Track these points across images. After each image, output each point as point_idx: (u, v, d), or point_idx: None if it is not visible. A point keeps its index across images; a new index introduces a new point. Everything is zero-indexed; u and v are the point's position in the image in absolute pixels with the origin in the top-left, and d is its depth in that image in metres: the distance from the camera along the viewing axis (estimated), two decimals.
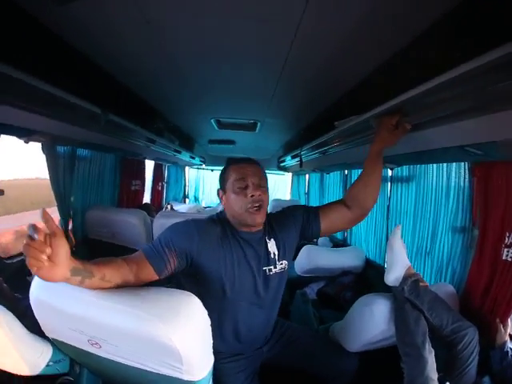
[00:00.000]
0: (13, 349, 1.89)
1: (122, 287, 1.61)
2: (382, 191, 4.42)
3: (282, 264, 2.25)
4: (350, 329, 2.54)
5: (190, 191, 11.57)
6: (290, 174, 10.77)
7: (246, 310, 2.15)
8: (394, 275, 2.46)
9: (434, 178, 3.35)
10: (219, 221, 2.18)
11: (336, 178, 6.39)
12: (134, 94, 3.65)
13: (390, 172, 4.20)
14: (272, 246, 2.22)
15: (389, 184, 4.29)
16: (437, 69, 1.56)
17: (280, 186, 11.60)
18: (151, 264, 1.83)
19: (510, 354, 2.28)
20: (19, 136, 3.00)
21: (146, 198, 7.78)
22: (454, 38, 1.72)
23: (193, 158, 8.21)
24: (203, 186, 11.80)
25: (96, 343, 1.57)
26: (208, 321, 1.59)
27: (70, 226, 4.38)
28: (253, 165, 2.15)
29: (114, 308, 1.46)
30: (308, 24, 1.81)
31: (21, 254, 3.57)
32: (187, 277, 2.11)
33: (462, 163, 2.91)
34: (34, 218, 1.36)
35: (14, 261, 3.49)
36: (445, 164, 3.16)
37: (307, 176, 8.90)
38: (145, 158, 6.63)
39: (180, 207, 8.43)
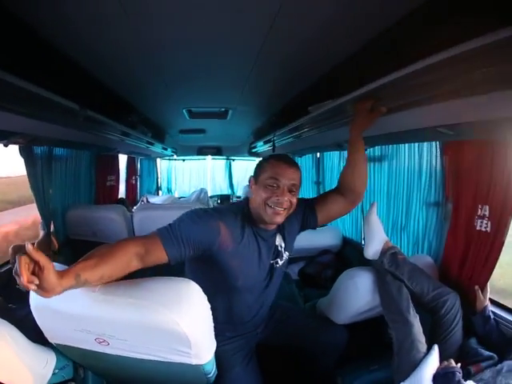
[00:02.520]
0: (19, 362, 1.92)
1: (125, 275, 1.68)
2: None
3: (286, 254, 2.42)
4: (337, 302, 2.72)
5: (163, 183, 11.70)
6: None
7: (253, 297, 2.30)
8: (372, 249, 2.70)
9: (406, 158, 3.54)
10: (241, 216, 2.22)
11: (308, 160, 6.59)
12: (108, 88, 3.69)
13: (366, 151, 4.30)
14: (279, 239, 2.38)
15: None
16: (410, 57, 1.68)
17: (252, 172, 11.60)
18: (166, 250, 1.84)
19: (492, 317, 2.43)
20: None
21: (121, 193, 7.80)
22: (422, 32, 1.85)
23: (165, 149, 8.28)
24: (175, 176, 11.90)
25: (104, 341, 1.64)
26: (208, 305, 1.70)
27: (52, 228, 4.39)
28: (292, 167, 2.19)
29: (119, 302, 1.54)
30: (283, 13, 1.87)
31: (8, 262, 3.60)
32: (195, 261, 2.19)
33: (434, 143, 3.08)
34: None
35: (4, 269, 3.51)
36: (416, 144, 3.34)
37: None
38: (118, 153, 6.69)
39: (155, 199, 8.55)
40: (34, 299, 1.65)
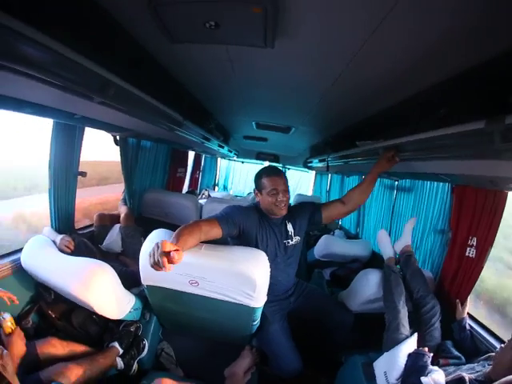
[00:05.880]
0: (112, 294, 2.81)
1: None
2: (388, 197, 5.46)
3: (296, 238, 3.25)
4: (352, 291, 3.59)
5: (221, 180, 12.44)
6: (314, 172, 11.50)
7: (272, 267, 2.97)
8: (386, 255, 3.73)
9: (427, 192, 4.28)
10: (257, 210, 3.15)
11: (355, 181, 7.28)
12: (202, 105, 4.73)
13: (396, 183, 5.16)
14: (290, 227, 3.22)
15: (395, 192, 5.23)
16: (421, 127, 2.51)
17: (304, 182, 12.33)
18: (221, 227, 2.76)
19: (467, 329, 3.05)
20: (112, 130, 4.01)
21: (185, 184, 8.67)
22: (420, 116, 2.77)
23: (230, 151, 9.01)
24: (233, 176, 12.69)
25: (195, 282, 2.50)
26: (269, 267, 2.59)
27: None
28: (281, 176, 3.09)
29: (218, 255, 2.47)
30: (349, 72, 2.61)
31: (89, 227, 4.46)
32: (234, 240, 3.08)
33: (446, 183, 3.81)
34: None
35: (85, 231, 4.29)
36: (435, 182, 4.09)
37: (329, 176, 9.64)
38: (191, 150, 7.58)
39: (215, 194, 9.29)
40: (148, 249, 2.36)
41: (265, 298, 2.66)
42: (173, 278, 2.51)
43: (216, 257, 2.45)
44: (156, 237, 2.57)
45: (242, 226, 2.94)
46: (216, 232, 2.74)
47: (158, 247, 2.03)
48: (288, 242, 3.21)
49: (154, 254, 2.03)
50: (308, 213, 3.31)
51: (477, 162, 2.36)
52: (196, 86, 3.90)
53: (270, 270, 2.84)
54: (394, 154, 3.15)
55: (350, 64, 2.47)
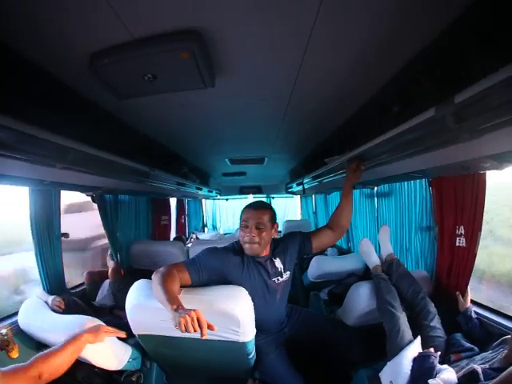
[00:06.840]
0: (107, 348, 2.78)
1: None
2: (370, 206, 5.44)
3: (287, 274, 3.09)
4: (347, 307, 3.56)
5: (208, 221, 12.41)
6: (299, 197, 11.44)
7: (262, 307, 2.96)
8: (371, 264, 3.75)
9: (407, 192, 4.28)
10: (239, 249, 2.96)
11: (337, 197, 7.18)
12: (168, 149, 4.68)
13: (375, 190, 5.18)
14: (278, 263, 3.04)
15: (375, 199, 5.24)
16: (379, 130, 2.53)
17: (291, 208, 12.36)
18: (189, 274, 2.64)
19: (474, 317, 2.95)
20: (85, 191, 4.04)
21: (172, 230, 8.47)
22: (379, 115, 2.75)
23: (210, 191, 9.03)
24: (220, 214, 12.68)
25: None
26: (251, 301, 2.57)
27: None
28: (258, 210, 2.87)
29: (197, 297, 2.45)
30: (298, 94, 2.70)
31: (80, 285, 4.50)
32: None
33: (423, 180, 3.81)
34: None
35: (77, 290, 4.32)
36: (412, 181, 4.08)
37: (314, 197, 9.60)
38: (171, 196, 7.55)
39: (204, 236, 9.31)
40: (133, 301, 2.49)
41: (253, 331, 2.64)
42: (159, 324, 2.48)
43: (195, 300, 2.42)
44: (139, 287, 2.59)
45: (216, 271, 2.77)
46: (186, 279, 2.63)
47: (193, 319, 2.01)
48: (278, 279, 3.03)
49: (191, 325, 1.99)
50: (297, 243, 3.16)
51: (441, 151, 2.39)
52: (159, 134, 3.95)
53: (260, 311, 2.80)
54: (358, 164, 3.16)
55: (295, 86, 2.56)
